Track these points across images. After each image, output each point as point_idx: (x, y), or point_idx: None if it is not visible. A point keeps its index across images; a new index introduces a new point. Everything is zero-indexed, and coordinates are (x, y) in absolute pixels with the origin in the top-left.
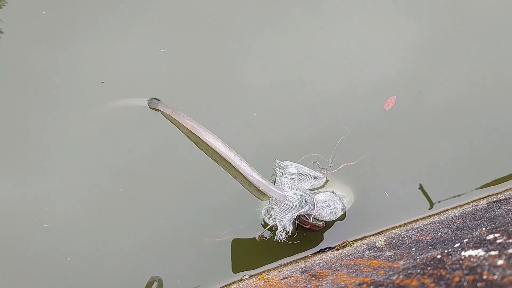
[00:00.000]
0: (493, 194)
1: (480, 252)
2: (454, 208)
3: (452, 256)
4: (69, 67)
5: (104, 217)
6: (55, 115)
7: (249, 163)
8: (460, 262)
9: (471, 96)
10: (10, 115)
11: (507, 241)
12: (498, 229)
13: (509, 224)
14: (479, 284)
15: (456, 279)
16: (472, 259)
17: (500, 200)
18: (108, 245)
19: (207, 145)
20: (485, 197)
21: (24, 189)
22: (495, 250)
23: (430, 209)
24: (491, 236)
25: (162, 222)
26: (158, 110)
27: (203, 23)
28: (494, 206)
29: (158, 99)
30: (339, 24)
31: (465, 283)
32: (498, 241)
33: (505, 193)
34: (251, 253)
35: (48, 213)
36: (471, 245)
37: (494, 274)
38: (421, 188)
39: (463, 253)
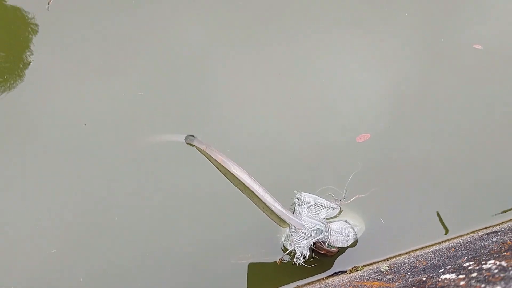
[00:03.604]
0: (490, 226)
1: (452, 276)
2: (454, 238)
3: (433, 279)
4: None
5: (139, 231)
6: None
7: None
8: (437, 283)
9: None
10: None
11: (475, 267)
12: (476, 258)
13: (484, 254)
14: None
15: None
16: (445, 281)
17: (493, 232)
18: (139, 260)
19: (234, 176)
20: (482, 229)
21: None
22: (463, 274)
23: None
24: (466, 264)
25: (190, 245)
26: (193, 145)
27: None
28: (485, 238)
29: (193, 136)
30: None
31: None
32: (470, 267)
33: (499, 226)
34: (272, 274)
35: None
36: (450, 270)
37: None
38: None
39: (442, 276)
